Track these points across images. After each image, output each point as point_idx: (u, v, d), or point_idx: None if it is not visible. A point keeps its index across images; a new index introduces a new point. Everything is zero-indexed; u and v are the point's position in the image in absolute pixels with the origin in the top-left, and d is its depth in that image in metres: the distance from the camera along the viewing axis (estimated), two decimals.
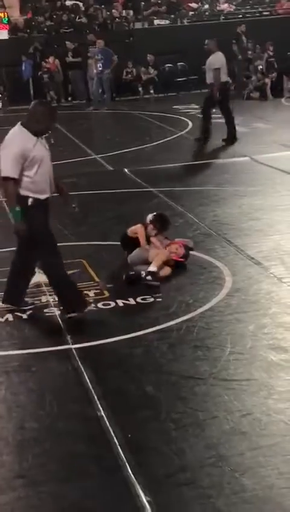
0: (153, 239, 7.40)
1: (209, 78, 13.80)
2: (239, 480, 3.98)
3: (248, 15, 24.98)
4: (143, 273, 6.92)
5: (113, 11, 24.19)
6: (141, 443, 4.42)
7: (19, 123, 6.10)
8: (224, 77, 13.60)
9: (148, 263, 7.07)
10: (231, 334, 5.84)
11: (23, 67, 21.64)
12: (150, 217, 7.57)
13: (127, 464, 4.17)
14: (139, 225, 7.47)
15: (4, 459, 4.33)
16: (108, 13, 23.96)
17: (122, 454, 4.25)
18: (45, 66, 21.77)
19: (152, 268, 6.94)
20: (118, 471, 4.12)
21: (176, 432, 4.51)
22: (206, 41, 14.07)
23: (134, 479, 4.02)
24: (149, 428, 4.58)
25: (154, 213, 7.67)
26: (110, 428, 4.54)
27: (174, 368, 5.35)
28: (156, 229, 7.45)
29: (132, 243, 7.47)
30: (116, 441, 4.40)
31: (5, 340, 6.00)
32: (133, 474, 4.07)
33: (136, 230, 7.45)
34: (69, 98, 22.39)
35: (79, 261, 7.63)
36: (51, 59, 21.64)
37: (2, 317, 6.40)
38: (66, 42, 21.75)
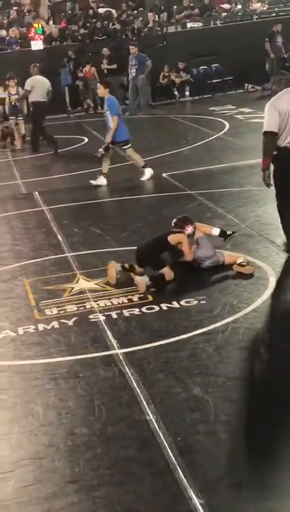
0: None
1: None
2: None
3: (281, 13, 24.84)
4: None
5: (149, 14, 24.20)
6: (190, 446, 4.42)
7: None
8: (35, 97, 15.76)
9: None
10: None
11: (62, 76, 21.82)
12: (184, 220, 7.44)
13: (178, 466, 4.18)
14: (181, 234, 7.28)
15: (56, 465, 4.38)
16: (141, 18, 24.01)
17: (173, 458, 4.27)
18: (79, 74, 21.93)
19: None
20: (170, 474, 4.13)
21: (225, 434, 4.51)
22: (32, 65, 16.23)
23: (185, 482, 4.03)
24: (198, 431, 4.58)
25: (180, 217, 7.49)
26: (159, 431, 4.56)
27: (221, 370, 5.35)
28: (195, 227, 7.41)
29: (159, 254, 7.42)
30: (166, 444, 4.41)
31: (52, 347, 6.05)
32: (184, 477, 4.08)
33: (181, 239, 7.26)
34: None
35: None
36: (87, 67, 21.77)
37: (48, 325, 6.46)
38: (104, 49, 21.92)
